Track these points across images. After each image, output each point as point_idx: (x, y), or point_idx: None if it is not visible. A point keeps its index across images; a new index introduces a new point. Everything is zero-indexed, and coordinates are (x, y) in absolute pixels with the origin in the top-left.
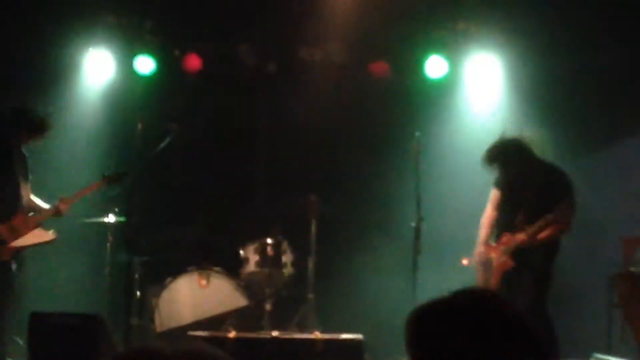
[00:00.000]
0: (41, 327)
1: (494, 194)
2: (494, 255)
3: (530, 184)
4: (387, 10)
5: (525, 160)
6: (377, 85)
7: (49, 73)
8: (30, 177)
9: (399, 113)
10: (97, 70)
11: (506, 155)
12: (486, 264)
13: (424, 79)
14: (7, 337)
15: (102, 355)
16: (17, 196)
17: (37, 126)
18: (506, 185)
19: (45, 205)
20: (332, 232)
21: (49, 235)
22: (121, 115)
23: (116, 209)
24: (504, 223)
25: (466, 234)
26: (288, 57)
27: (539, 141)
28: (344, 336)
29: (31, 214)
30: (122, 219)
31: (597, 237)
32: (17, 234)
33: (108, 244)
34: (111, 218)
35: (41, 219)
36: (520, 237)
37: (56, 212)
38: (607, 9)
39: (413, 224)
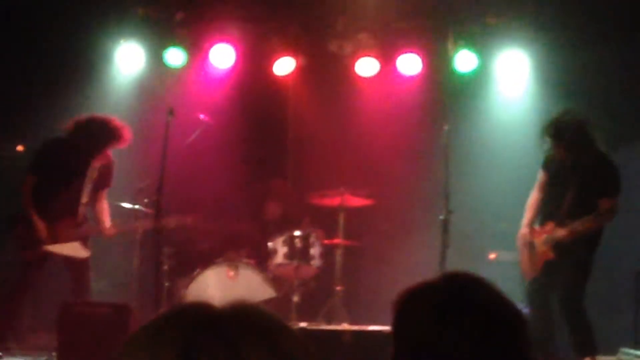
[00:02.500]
0: (70, 316)
1: (540, 176)
2: (537, 240)
3: (581, 170)
4: (417, 4)
5: (583, 144)
6: (407, 79)
7: (81, 66)
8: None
9: (429, 107)
10: (128, 62)
11: (567, 133)
12: (530, 246)
13: (453, 73)
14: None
15: None
16: (72, 201)
17: (117, 137)
18: (555, 167)
19: (107, 219)
20: (361, 225)
21: (83, 252)
22: (151, 107)
23: (146, 200)
24: (549, 207)
25: (494, 227)
26: (318, 50)
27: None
28: (372, 328)
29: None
30: (152, 209)
31: (625, 232)
32: (55, 240)
33: (137, 235)
34: (141, 209)
35: (84, 234)
36: (562, 233)
37: (101, 234)
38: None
39: (441, 217)
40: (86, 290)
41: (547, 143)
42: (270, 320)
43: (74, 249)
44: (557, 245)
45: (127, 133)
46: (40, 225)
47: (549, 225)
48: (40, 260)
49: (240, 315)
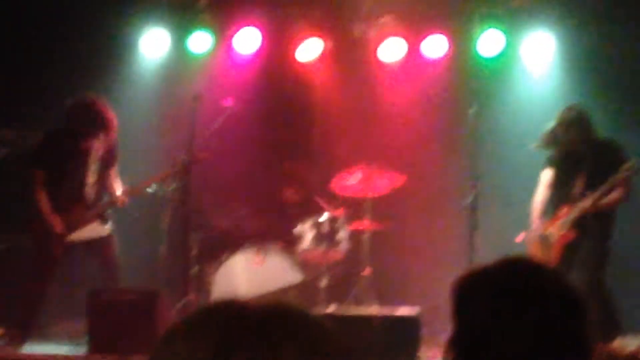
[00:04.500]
0: (99, 303)
1: (545, 175)
2: (552, 230)
3: (589, 155)
4: None
5: (587, 130)
6: (432, 62)
7: (104, 54)
8: (116, 161)
9: (455, 89)
10: (154, 48)
11: (570, 122)
12: (543, 240)
13: (479, 55)
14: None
15: (160, 330)
16: (78, 186)
17: (101, 120)
18: (563, 158)
19: (118, 190)
20: (388, 208)
21: (103, 230)
22: (177, 93)
23: (174, 185)
24: (560, 198)
25: (522, 210)
26: (343, 34)
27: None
28: (401, 311)
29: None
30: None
31: None
32: (73, 228)
33: (165, 220)
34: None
35: (98, 213)
36: (585, 204)
37: (114, 204)
38: None
39: (469, 200)
40: (115, 270)
41: (554, 140)
42: (304, 317)
43: (93, 230)
44: (577, 223)
45: (110, 114)
46: (55, 220)
47: (563, 210)
48: (62, 252)
49: (277, 317)
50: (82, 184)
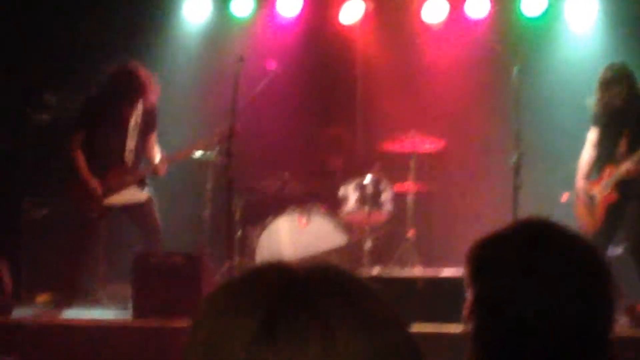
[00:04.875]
0: (143, 267)
1: (591, 134)
2: (596, 190)
3: (633, 113)
4: None
5: (631, 87)
6: (475, 22)
7: (146, 19)
8: (155, 127)
9: (499, 49)
10: (194, 13)
11: (612, 80)
12: (588, 200)
13: (522, 15)
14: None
15: (204, 295)
16: (118, 149)
17: (143, 85)
18: (606, 117)
19: (157, 158)
20: (432, 169)
21: (141, 195)
22: (220, 56)
23: (217, 149)
24: (604, 158)
25: (566, 169)
26: None
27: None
28: (445, 273)
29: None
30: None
31: None
32: (111, 191)
33: (208, 184)
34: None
35: (137, 178)
36: (626, 166)
37: (154, 172)
38: None
39: (513, 160)
40: (156, 234)
41: (599, 96)
42: (350, 278)
43: (132, 195)
44: (620, 184)
45: (151, 80)
46: (94, 183)
47: (607, 170)
48: (102, 215)
49: (325, 280)
50: (121, 148)
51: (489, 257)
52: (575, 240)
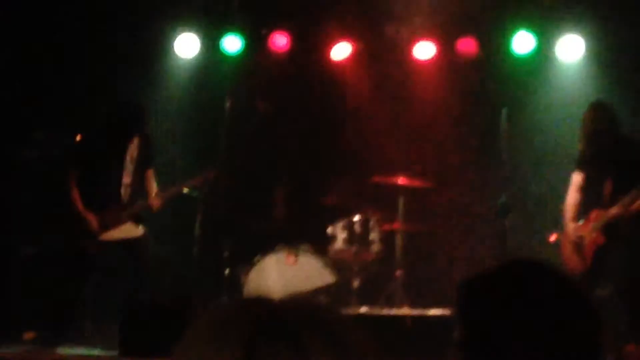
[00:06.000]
0: (131, 308)
1: (575, 178)
2: (583, 233)
3: (618, 155)
4: None
5: (614, 129)
6: (464, 62)
7: (139, 56)
8: (153, 162)
9: (487, 90)
10: (186, 49)
11: (598, 122)
12: (575, 243)
13: (511, 55)
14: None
15: None
16: (114, 186)
17: (135, 119)
18: (591, 160)
19: (153, 193)
20: (420, 209)
21: (136, 231)
22: (210, 93)
23: (206, 188)
24: (590, 201)
25: (555, 210)
26: (375, 35)
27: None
28: (433, 312)
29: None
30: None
31: None
32: (107, 226)
33: (197, 223)
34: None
35: (132, 213)
36: (614, 210)
37: (149, 207)
38: None
39: (501, 201)
40: (146, 271)
41: (584, 141)
42: (331, 315)
43: (127, 231)
44: (608, 227)
45: (146, 114)
46: (90, 217)
47: (594, 214)
48: (97, 251)
49: (306, 316)
50: (117, 184)
51: (476, 296)
52: (564, 281)
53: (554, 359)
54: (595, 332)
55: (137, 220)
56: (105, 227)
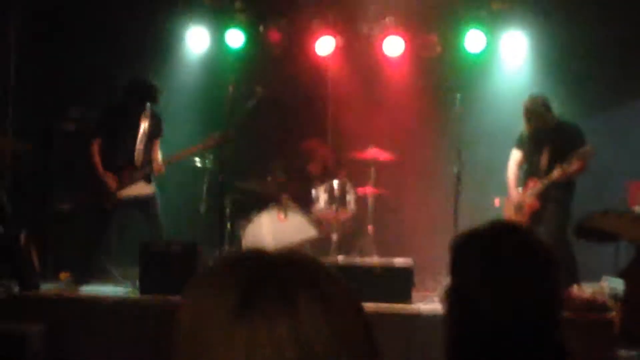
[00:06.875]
0: (148, 253)
1: (514, 155)
2: (522, 198)
3: (552, 135)
4: None
5: (547, 114)
6: (427, 56)
7: (155, 47)
8: (161, 134)
9: (446, 79)
10: (195, 43)
11: (535, 107)
12: (517, 207)
13: (465, 52)
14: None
15: None
16: (129, 151)
17: (148, 93)
18: (529, 139)
19: (158, 160)
20: (388, 176)
21: (148, 189)
22: (216, 81)
23: (212, 156)
24: (529, 172)
25: (499, 178)
26: (353, 32)
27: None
28: (397, 262)
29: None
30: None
31: (604, 182)
32: (123, 186)
33: (205, 185)
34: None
35: (144, 174)
36: (556, 173)
37: (156, 171)
38: None
39: (455, 170)
40: (159, 224)
41: (525, 122)
42: (322, 270)
43: (140, 188)
44: (542, 194)
45: (158, 89)
46: (109, 179)
47: (532, 182)
48: (115, 206)
49: (295, 266)
50: (132, 149)
51: (465, 249)
52: (538, 241)
53: (522, 303)
54: (557, 277)
55: (148, 180)
56: (122, 186)
